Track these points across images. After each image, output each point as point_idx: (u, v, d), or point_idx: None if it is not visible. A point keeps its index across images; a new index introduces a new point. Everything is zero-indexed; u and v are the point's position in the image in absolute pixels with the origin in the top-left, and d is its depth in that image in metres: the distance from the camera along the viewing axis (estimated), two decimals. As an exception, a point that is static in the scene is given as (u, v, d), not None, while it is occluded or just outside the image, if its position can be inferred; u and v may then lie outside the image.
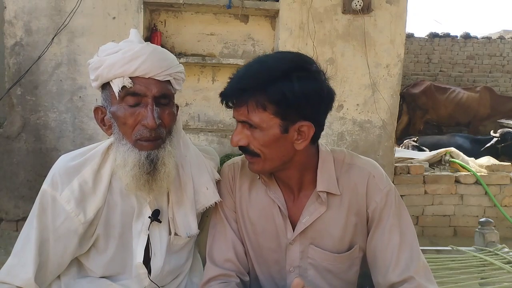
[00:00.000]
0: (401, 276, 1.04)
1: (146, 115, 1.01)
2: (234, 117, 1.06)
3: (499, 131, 5.79)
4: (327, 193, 1.09)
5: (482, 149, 5.49)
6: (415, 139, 5.70)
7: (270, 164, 1.06)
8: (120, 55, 1.01)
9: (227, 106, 1.05)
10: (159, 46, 1.09)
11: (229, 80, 1.04)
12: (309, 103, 1.00)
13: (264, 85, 0.97)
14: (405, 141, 5.76)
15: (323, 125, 1.08)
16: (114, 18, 3.34)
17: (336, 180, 1.10)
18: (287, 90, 0.97)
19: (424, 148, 5.35)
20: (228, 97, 1.03)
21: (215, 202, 1.19)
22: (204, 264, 1.29)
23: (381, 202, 1.09)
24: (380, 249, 1.08)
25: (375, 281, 1.11)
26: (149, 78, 1.02)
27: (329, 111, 1.07)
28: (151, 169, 1.03)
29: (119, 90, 1.01)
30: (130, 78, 1.01)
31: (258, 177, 1.16)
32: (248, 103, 0.99)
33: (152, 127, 1.01)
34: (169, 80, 1.07)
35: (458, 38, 9.54)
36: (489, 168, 4.18)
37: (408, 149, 5.45)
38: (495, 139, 5.60)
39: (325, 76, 1.04)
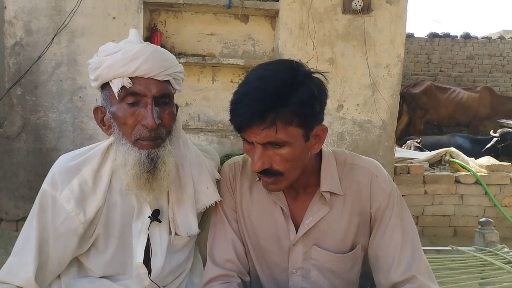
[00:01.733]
0: (403, 276, 1.04)
1: (146, 115, 1.01)
2: (251, 141, 0.98)
3: (499, 131, 5.79)
4: (330, 193, 1.09)
5: (483, 150, 5.49)
6: (419, 141, 5.68)
7: (292, 178, 1.04)
8: (120, 55, 1.01)
9: (240, 131, 0.98)
10: (159, 46, 1.09)
11: (236, 105, 0.97)
12: (322, 103, 1.00)
13: (286, 99, 0.93)
14: (408, 142, 5.74)
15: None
16: (114, 18, 3.34)
17: (339, 180, 1.10)
18: (306, 97, 0.95)
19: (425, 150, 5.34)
20: (251, 122, 0.94)
21: (216, 202, 1.19)
22: (204, 264, 1.29)
23: (384, 202, 1.09)
24: (382, 249, 1.08)
25: (377, 281, 1.10)
26: (148, 78, 1.02)
27: None
28: (151, 168, 1.03)
29: (119, 90, 1.01)
30: (130, 78, 1.01)
31: (258, 178, 1.15)
32: (276, 123, 0.93)
33: (152, 127, 1.01)
34: (168, 80, 1.07)
35: (458, 38, 9.54)
36: (489, 168, 4.18)
37: (410, 149, 5.44)
38: (495, 139, 5.59)
39: (323, 74, 1.04)
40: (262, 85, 0.95)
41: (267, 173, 1.01)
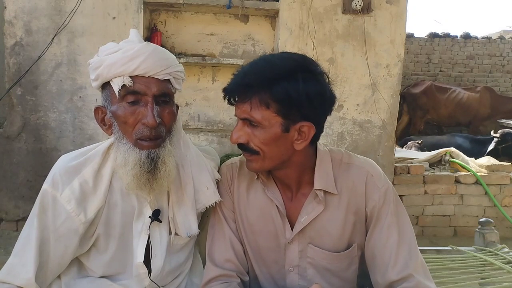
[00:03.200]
0: (400, 274, 1.04)
1: (146, 113, 1.02)
2: (235, 115, 1.05)
3: (499, 131, 5.78)
4: (325, 192, 1.10)
5: (486, 154, 5.47)
6: (420, 142, 5.68)
7: (269, 163, 1.06)
8: (120, 55, 1.02)
9: (230, 102, 1.05)
10: (159, 46, 1.10)
11: (233, 76, 1.04)
12: (312, 104, 1.00)
13: (269, 82, 0.98)
14: (409, 143, 5.74)
15: (323, 127, 1.09)
16: (114, 18, 3.34)
17: (334, 179, 1.11)
18: (292, 90, 0.97)
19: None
20: (232, 92, 1.03)
21: (215, 202, 1.19)
22: (204, 264, 1.29)
23: (380, 200, 1.09)
24: (379, 248, 1.09)
25: (374, 280, 1.11)
26: (149, 77, 1.03)
27: (329, 113, 1.07)
28: (151, 168, 1.04)
29: (119, 89, 1.02)
30: (130, 77, 1.01)
31: (256, 177, 1.16)
32: (251, 99, 0.99)
33: (153, 125, 1.01)
34: (168, 79, 1.08)
35: (458, 38, 9.54)
36: (489, 168, 4.18)
37: (411, 149, 5.44)
38: (495, 140, 5.59)
39: (328, 78, 1.05)
40: (256, 65, 1.02)
41: (244, 149, 1.06)
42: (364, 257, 1.15)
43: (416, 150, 5.35)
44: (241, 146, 1.06)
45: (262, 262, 1.18)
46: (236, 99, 1.04)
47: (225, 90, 1.04)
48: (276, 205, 1.13)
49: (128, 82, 1.01)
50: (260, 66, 1.01)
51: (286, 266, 1.15)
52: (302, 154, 1.08)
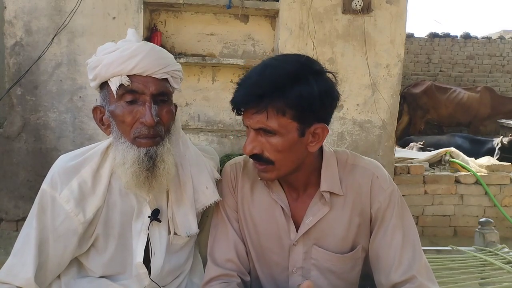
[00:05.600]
0: (403, 276, 1.04)
1: (144, 112, 1.02)
2: (246, 125, 1.02)
3: (506, 139, 5.68)
4: (331, 193, 1.09)
5: (495, 154, 5.47)
6: (422, 143, 5.67)
7: (284, 170, 1.05)
8: (118, 54, 1.02)
9: (238, 113, 1.02)
10: (156, 45, 1.10)
11: (237, 87, 1.01)
12: (324, 104, 1.00)
13: (283, 89, 0.95)
14: (411, 144, 5.73)
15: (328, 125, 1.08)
16: (114, 18, 3.34)
17: (340, 180, 1.11)
18: (305, 93, 0.96)
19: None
20: (245, 104, 1.00)
21: (216, 202, 1.19)
22: (204, 264, 1.29)
23: (385, 202, 1.09)
24: (383, 249, 1.09)
25: (377, 281, 1.11)
26: (146, 76, 1.03)
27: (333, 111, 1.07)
28: (150, 166, 1.03)
29: (117, 88, 1.02)
30: (128, 76, 1.01)
31: (260, 178, 1.16)
32: (267, 109, 0.96)
33: (150, 124, 1.01)
34: (166, 78, 1.07)
35: (458, 38, 9.55)
36: (489, 168, 4.18)
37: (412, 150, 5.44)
38: (499, 145, 5.56)
39: (335, 77, 1.05)
40: (265, 72, 0.98)
41: (258, 159, 1.04)
42: (367, 258, 1.15)
43: (418, 151, 5.34)
44: (255, 156, 1.04)
45: (265, 263, 1.18)
46: (243, 109, 1.01)
47: (235, 102, 1.00)
48: (281, 206, 1.13)
49: (125, 81, 1.01)
50: (269, 74, 0.98)
51: (290, 267, 1.14)
52: (313, 156, 1.08)
